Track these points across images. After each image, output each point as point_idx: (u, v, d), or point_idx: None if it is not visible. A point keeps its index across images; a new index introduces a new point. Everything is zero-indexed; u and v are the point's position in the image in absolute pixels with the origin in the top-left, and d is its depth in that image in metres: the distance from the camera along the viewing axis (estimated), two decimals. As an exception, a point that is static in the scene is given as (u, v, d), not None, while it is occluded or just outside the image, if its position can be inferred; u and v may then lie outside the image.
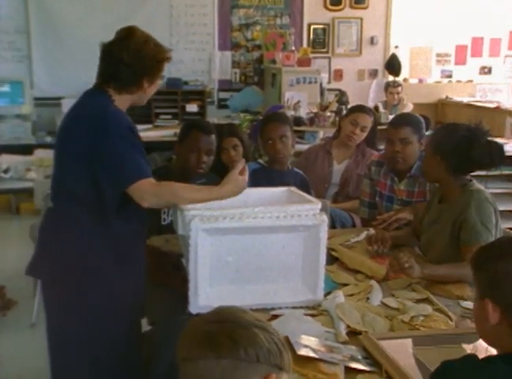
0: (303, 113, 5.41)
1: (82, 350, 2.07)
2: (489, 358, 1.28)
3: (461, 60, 7.49)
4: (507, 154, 4.36)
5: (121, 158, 1.96)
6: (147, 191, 1.94)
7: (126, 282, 2.08)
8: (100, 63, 2.09)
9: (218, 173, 2.96)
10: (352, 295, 2.03)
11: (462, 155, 2.25)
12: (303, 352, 1.58)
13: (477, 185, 2.35)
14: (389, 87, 6.39)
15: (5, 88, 5.72)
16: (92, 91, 2.11)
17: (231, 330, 1.06)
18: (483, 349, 1.45)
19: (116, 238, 2.06)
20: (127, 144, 1.98)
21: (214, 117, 6.16)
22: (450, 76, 7.52)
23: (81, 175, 2.00)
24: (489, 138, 2.27)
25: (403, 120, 2.88)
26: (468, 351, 1.60)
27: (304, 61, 6.10)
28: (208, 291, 1.88)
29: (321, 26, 7.00)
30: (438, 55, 7.46)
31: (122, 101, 2.08)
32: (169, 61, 2.14)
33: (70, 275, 2.02)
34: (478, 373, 1.22)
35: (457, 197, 2.32)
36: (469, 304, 1.95)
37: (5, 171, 4.05)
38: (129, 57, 2.02)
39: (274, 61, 6.32)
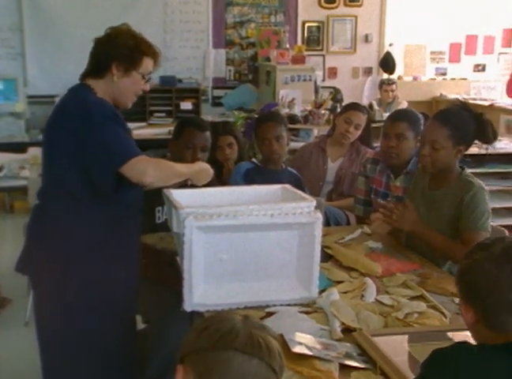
0: (297, 111, 5.41)
1: (73, 347, 2.06)
2: (481, 346, 1.29)
3: (455, 58, 7.51)
4: (501, 151, 4.44)
5: (112, 138, 1.95)
6: (148, 165, 1.96)
7: (117, 278, 2.06)
8: None
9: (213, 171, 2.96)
10: (346, 293, 2.03)
11: (476, 137, 2.34)
12: (297, 349, 1.58)
13: (469, 173, 2.43)
14: (383, 84, 6.39)
15: (-1, 86, 5.70)
16: (74, 86, 2.12)
17: (277, 346, 1.12)
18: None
19: (105, 234, 2.05)
20: (114, 125, 1.98)
21: (208, 115, 6.15)
22: (445, 74, 7.54)
23: (70, 170, 1.99)
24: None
25: (400, 115, 2.89)
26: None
27: (298, 59, 6.09)
28: (203, 289, 1.88)
29: (315, 24, 7.00)
30: (432, 53, 7.47)
31: (100, 90, 2.06)
32: (151, 57, 2.11)
33: (59, 272, 2.00)
34: (469, 359, 1.24)
35: (455, 181, 2.36)
36: (463, 301, 1.96)
37: (-1, 169, 4.04)
38: (104, 42, 2.07)
39: (268, 59, 6.32)
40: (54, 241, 2.03)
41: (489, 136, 2.33)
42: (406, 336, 1.72)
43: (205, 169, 2.21)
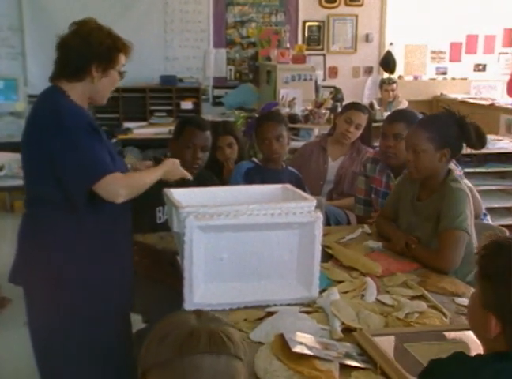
0: (297, 110, 5.41)
1: (69, 352, 2.05)
2: (479, 356, 1.28)
3: (455, 57, 7.51)
4: (499, 151, 4.43)
5: (83, 155, 1.90)
6: (119, 184, 1.92)
7: (109, 280, 2.05)
8: (56, 56, 2.05)
9: (213, 171, 2.96)
10: (346, 292, 2.03)
11: (462, 141, 2.29)
12: (297, 349, 1.58)
13: (456, 176, 2.38)
14: (384, 84, 6.39)
15: (-1, 86, 5.70)
16: (45, 90, 2.06)
17: (237, 334, 1.11)
18: (475, 346, 1.45)
19: (93, 237, 2.03)
20: (86, 140, 1.92)
21: (209, 114, 6.14)
22: (445, 74, 7.53)
23: (47, 178, 1.95)
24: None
25: (398, 115, 2.89)
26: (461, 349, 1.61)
27: (299, 59, 6.09)
28: (203, 288, 1.88)
29: (316, 23, 6.99)
30: (432, 52, 7.46)
31: (76, 93, 2.01)
32: (126, 53, 2.07)
33: (50, 280, 1.98)
34: (467, 370, 1.22)
35: (440, 189, 2.33)
36: (464, 301, 1.96)
37: (0, 169, 4.03)
38: (77, 41, 1.99)
39: (269, 59, 6.32)
40: (43, 248, 2.01)
41: (472, 140, 2.28)
42: (406, 336, 1.72)
43: (169, 165, 2.17)
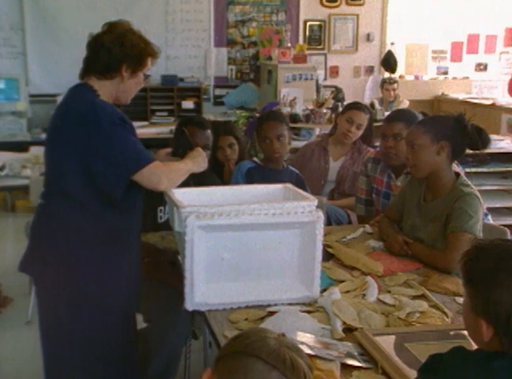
0: (298, 110, 5.41)
1: (75, 346, 2.06)
2: (479, 351, 1.27)
3: (456, 57, 7.51)
4: (500, 151, 4.43)
5: (123, 145, 1.96)
6: (161, 173, 1.99)
7: (118, 278, 2.07)
8: (86, 53, 2.11)
9: (214, 171, 2.97)
10: (348, 292, 2.03)
11: (461, 136, 2.27)
12: (299, 349, 1.58)
13: (466, 180, 2.36)
14: (385, 83, 6.40)
15: (1, 85, 5.70)
16: (75, 87, 2.10)
17: (305, 368, 1.11)
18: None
19: (108, 234, 2.05)
20: (124, 132, 1.99)
21: (210, 114, 6.16)
22: (446, 73, 7.54)
23: (76, 173, 1.98)
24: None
25: (397, 115, 2.89)
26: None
27: (300, 58, 6.10)
28: (204, 288, 1.88)
29: (317, 23, 7.00)
30: (433, 52, 7.47)
31: (105, 92, 2.06)
32: (154, 57, 2.14)
33: (62, 272, 2.00)
34: (467, 364, 1.23)
35: (448, 191, 2.31)
36: (465, 300, 1.96)
37: (1, 169, 4.04)
38: (110, 41, 2.04)
39: (270, 58, 6.32)
40: (57, 240, 2.03)
41: (470, 133, 2.25)
42: (408, 336, 1.72)
43: (197, 156, 2.22)
